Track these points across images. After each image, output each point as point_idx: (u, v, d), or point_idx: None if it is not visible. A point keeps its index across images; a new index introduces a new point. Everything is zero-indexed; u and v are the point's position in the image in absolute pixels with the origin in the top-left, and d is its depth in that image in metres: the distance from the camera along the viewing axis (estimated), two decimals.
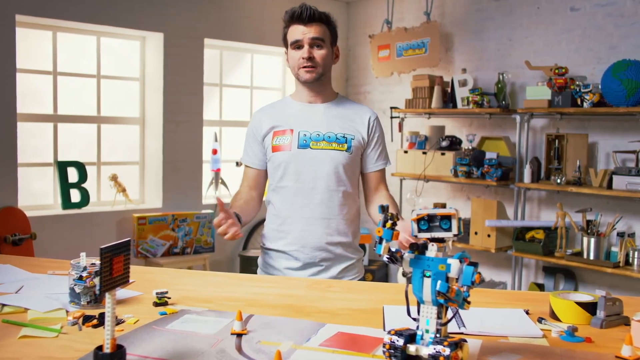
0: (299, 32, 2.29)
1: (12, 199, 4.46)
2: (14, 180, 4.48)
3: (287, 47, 2.35)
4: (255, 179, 2.43)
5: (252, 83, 6.15)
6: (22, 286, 1.85)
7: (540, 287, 4.82)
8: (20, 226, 4.43)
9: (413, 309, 1.31)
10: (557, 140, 4.59)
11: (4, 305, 1.63)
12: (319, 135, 2.31)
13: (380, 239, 1.31)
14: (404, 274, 1.33)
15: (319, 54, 2.30)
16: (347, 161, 2.31)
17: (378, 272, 5.83)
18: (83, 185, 4.92)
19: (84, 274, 1.64)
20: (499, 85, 4.93)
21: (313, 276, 2.29)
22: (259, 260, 2.46)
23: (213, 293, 1.86)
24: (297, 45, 2.30)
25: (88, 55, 5.08)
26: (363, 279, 2.47)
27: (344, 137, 2.31)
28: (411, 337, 1.28)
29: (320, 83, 2.36)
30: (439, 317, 1.27)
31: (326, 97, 2.40)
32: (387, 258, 1.31)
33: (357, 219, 2.42)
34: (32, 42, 4.77)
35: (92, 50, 5.08)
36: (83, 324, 1.50)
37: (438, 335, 1.27)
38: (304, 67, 2.30)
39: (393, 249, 1.32)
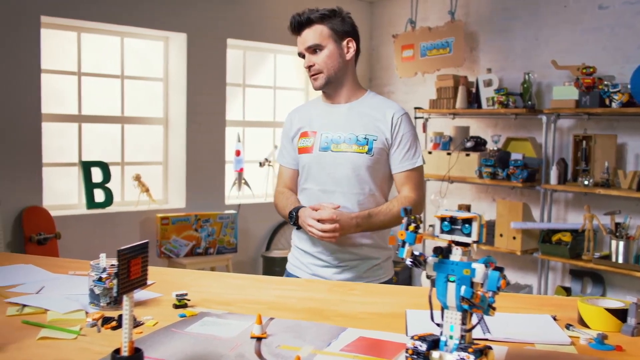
0: (299, 43, 2.31)
1: (37, 199, 4.49)
2: (38, 180, 4.51)
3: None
4: (290, 178, 2.43)
5: (275, 83, 6.14)
6: (43, 287, 1.84)
7: (567, 290, 4.74)
8: (45, 226, 4.46)
9: (437, 314, 1.28)
10: (584, 141, 4.51)
11: (24, 305, 1.62)
12: (340, 137, 2.28)
13: (403, 242, 1.28)
14: (428, 277, 1.30)
15: (318, 58, 2.27)
16: (368, 163, 2.25)
17: (401, 275, 5.78)
18: (107, 185, 4.94)
19: (104, 275, 1.63)
20: (525, 85, 4.85)
21: (338, 274, 2.27)
22: (289, 256, 2.46)
23: (233, 295, 1.84)
24: (302, 56, 2.32)
25: (112, 56, 5.10)
26: (391, 280, 2.42)
27: (365, 138, 2.26)
28: (434, 343, 1.25)
29: (336, 84, 2.32)
30: (463, 323, 1.24)
31: (349, 96, 2.35)
32: (410, 261, 1.28)
33: None
34: (57, 43, 4.80)
35: (116, 51, 5.10)
36: (102, 325, 1.49)
37: (462, 341, 1.23)
38: (310, 76, 2.31)
39: (416, 253, 1.28)
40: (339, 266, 2.29)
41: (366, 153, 2.25)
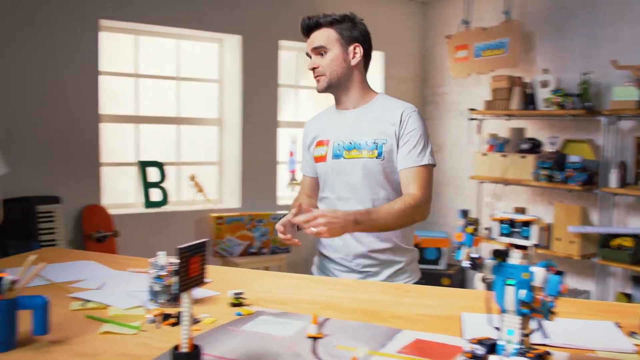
0: (307, 44, 2.31)
1: (96, 198, 4.61)
2: (97, 179, 4.63)
3: None
4: (310, 187, 2.45)
5: None
6: (104, 283, 1.89)
7: (628, 297, 4.60)
8: (104, 224, 4.58)
9: (494, 318, 1.26)
10: None
11: (87, 300, 1.67)
12: (351, 143, 2.26)
13: (460, 245, 1.27)
14: (483, 280, 1.28)
15: (322, 61, 2.27)
16: (380, 168, 2.22)
17: (455, 277, 5.72)
18: (163, 184, 5.04)
19: (163, 273, 1.66)
20: (583, 86, 4.74)
21: (362, 279, 2.27)
22: (314, 259, 2.48)
23: (289, 295, 1.85)
24: (310, 57, 2.32)
25: (168, 58, 5.20)
26: (419, 282, 2.38)
27: (374, 142, 2.23)
28: (492, 347, 1.23)
29: (340, 89, 2.31)
30: (522, 328, 1.22)
31: (357, 101, 2.32)
32: (468, 264, 1.27)
33: None
34: (115, 46, 4.92)
35: (171, 53, 5.20)
36: (161, 322, 1.52)
37: (521, 346, 1.21)
38: (314, 77, 2.31)
39: (474, 255, 1.27)
40: (361, 272, 2.27)
41: (376, 157, 2.22)
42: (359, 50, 2.29)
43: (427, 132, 2.28)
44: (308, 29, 2.29)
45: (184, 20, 4.93)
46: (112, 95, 4.92)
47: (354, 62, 2.28)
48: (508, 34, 5.28)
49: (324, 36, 2.26)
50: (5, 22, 4.20)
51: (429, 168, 2.22)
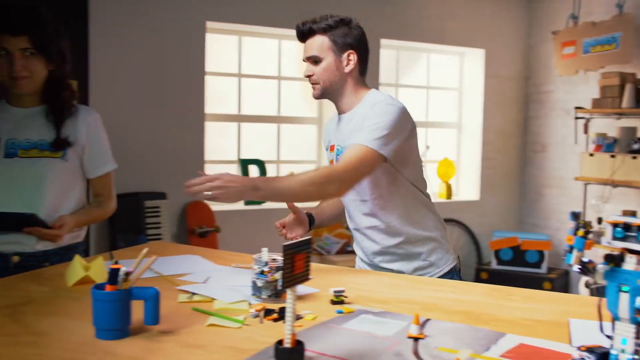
0: (303, 50, 2.31)
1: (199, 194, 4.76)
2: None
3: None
4: None
5: (429, 83, 6.09)
6: (209, 277, 1.95)
7: None
8: (206, 219, 4.72)
9: (606, 325, 1.21)
10: None
11: (193, 293, 1.73)
12: (343, 147, 2.26)
13: (571, 248, 1.23)
14: (586, 285, 1.23)
15: (316, 69, 2.25)
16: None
17: (557, 282, 5.53)
18: None
19: (266, 269, 1.69)
20: None
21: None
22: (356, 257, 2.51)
23: (389, 294, 1.85)
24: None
25: (270, 58, 5.30)
26: (454, 270, 2.32)
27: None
28: (604, 356, 1.18)
29: (334, 95, 2.30)
30: (637, 337, 1.16)
31: (351, 104, 2.30)
32: (579, 269, 1.22)
33: (411, 211, 2.26)
34: (220, 47, 5.06)
35: (273, 53, 5.30)
36: (264, 317, 1.55)
37: (636, 356, 1.16)
38: (310, 84, 2.30)
39: (585, 259, 1.22)
40: (385, 268, 2.28)
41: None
42: (353, 57, 2.26)
43: (395, 126, 2.11)
44: (302, 35, 2.29)
45: (285, 21, 5.01)
46: (216, 95, 5.07)
47: (347, 69, 2.26)
48: (620, 28, 5.04)
49: (317, 44, 2.25)
50: (117, 26, 4.41)
51: (370, 152, 2.07)
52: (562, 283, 5.63)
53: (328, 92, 2.29)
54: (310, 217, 2.42)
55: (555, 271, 5.67)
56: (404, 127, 2.17)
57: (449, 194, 6.10)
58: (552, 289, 5.38)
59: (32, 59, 2.19)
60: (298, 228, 2.38)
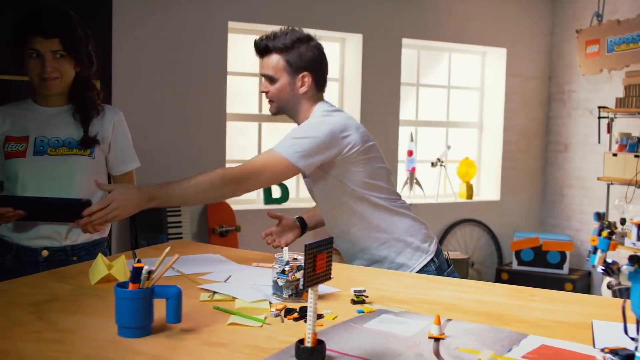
0: (260, 65, 2.33)
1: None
2: None
3: None
4: None
5: (450, 83, 6.06)
6: (230, 276, 1.96)
7: None
8: (227, 219, 4.75)
9: (631, 327, 1.20)
10: None
11: (215, 292, 1.74)
12: None
13: (595, 249, 1.22)
14: (609, 286, 1.22)
15: (270, 88, 2.28)
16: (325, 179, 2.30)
17: (579, 283, 5.48)
18: (284, 182, 5.16)
19: (287, 268, 1.70)
20: None
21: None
22: None
23: (409, 294, 1.84)
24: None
25: None
26: (432, 262, 2.34)
27: None
28: (629, 358, 1.17)
29: (290, 113, 2.33)
30: None
31: (305, 120, 2.31)
32: (603, 270, 1.21)
33: (370, 217, 2.29)
34: (242, 46, 5.08)
35: None
36: (285, 316, 1.56)
37: None
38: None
39: (609, 260, 1.21)
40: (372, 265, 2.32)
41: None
42: (307, 80, 2.26)
43: (320, 142, 2.15)
44: (258, 51, 2.29)
45: (306, 21, 5.01)
46: (237, 95, 5.09)
47: (301, 90, 2.26)
48: None
49: (272, 64, 2.26)
50: (140, 27, 4.45)
51: (283, 161, 2.13)
52: (584, 284, 5.58)
53: (283, 110, 2.33)
54: (301, 221, 2.51)
55: (577, 272, 5.62)
56: (331, 144, 2.17)
57: (469, 194, 6.07)
58: (574, 290, 5.33)
59: (62, 60, 2.24)
60: (288, 234, 2.46)
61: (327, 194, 2.30)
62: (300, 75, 2.25)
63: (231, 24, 4.79)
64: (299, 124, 2.32)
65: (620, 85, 5.21)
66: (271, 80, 2.27)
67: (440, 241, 5.68)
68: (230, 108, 4.94)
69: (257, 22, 4.87)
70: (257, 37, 2.29)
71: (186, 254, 2.29)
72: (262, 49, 2.28)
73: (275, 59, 2.25)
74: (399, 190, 5.49)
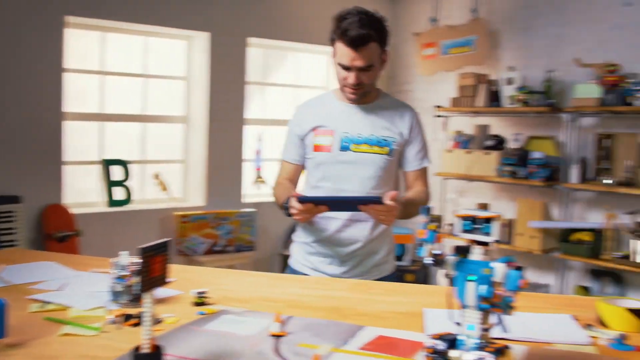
0: (347, 56, 2.17)
1: (58, 197, 4.54)
2: (59, 178, 4.56)
3: (334, 51, 2.23)
4: (293, 173, 2.43)
5: (296, 82, 6.15)
6: (65, 284, 1.86)
7: (587, 290, 4.70)
8: (66, 223, 4.51)
9: (456, 313, 1.27)
10: (606, 140, 4.46)
11: (46, 302, 1.64)
12: (360, 137, 2.28)
13: (423, 241, 1.28)
14: (446, 276, 1.30)
15: (366, 76, 2.22)
16: (387, 164, 2.29)
17: (419, 273, 5.76)
18: (127, 183, 4.98)
19: (125, 273, 1.64)
20: (547, 84, 4.81)
21: (342, 271, 2.30)
22: (292, 250, 2.49)
23: (252, 293, 1.85)
24: (345, 67, 2.21)
25: (135, 55, 5.14)
26: (394, 273, 2.45)
27: (385, 140, 2.29)
28: (453, 342, 1.25)
29: (367, 95, 2.32)
30: (482, 322, 1.23)
31: (369, 98, 2.34)
32: (430, 260, 1.28)
33: None
34: (81, 43, 4.84)
35: (139, 50, 5.14)
36: (123, 323, 1.50)
37: (481, 340, 1.23)
38: (352, 90, 2.25)
39: (436, 252, 1.28)
40: (343, 264, 2.31)
41: (387, 155, 2.28)
42: (386, 57, 2.29)
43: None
44: (361, 43, 2.14)
45: (151, 17, 4.87)
46: (77, 93, 4.84)
47: (383, 68, 2.30)
48: (475, 31, 5.34)
49: (371, 53, 2.18)
50: None
51: (428, 168, 2.43)
52: (423, 275, 5.87)
53: (368, 92, 2.31)
54: None
55: (417, 263, 5.90)
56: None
57: None
58: (415, 281, 5.60)
59: None
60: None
61: (383, 175, 2.32)
62: (385, 55, 2.26)
63: (68, 19, 4.55)
64: (365, 102, 2.32)
65: (454, 86, 5.54)
66: (367, 70, 2.20)
67: (287, 239, 5.74)
68: (69, 107, 4.68)
69: (97, 17, 4.65)
70: (351, 25, 2.13)
71: (18, 262, 2.15)
72: (363, 39, 2.13)
73: (373, 46, 2.17)
74: (245, 189, 5.53)
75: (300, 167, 2.42)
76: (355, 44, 2.13)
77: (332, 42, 2.24)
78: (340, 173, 2.29)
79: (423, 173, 2.40)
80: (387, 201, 2.03)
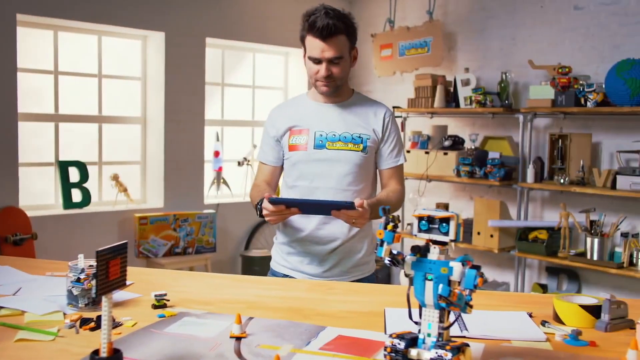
0: (317, 48, 2.22)
1: (13, 199, 4.44)
2: (14, 180, 4.46)
3: (304, 49, 2.30)
4: (271, 175, 2.45)
5: (254, 82, 6.13)
6: (20, 288, 1.83)
7: (544, 287, 4.79)
8: (21, 226, 4.41)
9: (415, 312, 1.29)
10: (560, 140, 4.56)
11: (0, 307, 1.61)
12: (334, 135, 2.30)
13: (382, 241, 1.29)
14: (406, 275, 1.31)
15: (337, 69, 2.25)
16: (362, 161, 2.31)
17: (381, 273, 5.81)
18: (84, 185, 4.90)
19: (82, 276, 1.62)
20: (502, 85, 4.90)
21: (322, 271, 2.30)
22: (273, 253, 2.47)
23: (213, 295, 1.84)
24: (315, 60, 2.25)
25: (89, 55, 5.06)
26: (374, 274, 2.49)
27: (359, 137, 2.31)
28: (413, 341, 1.26)
29: (339, 90, 2.35)
30: (441, 321, 1.25)
31: (342, 96, 2.37)
32: (389, 261, 1.29)
33: None
34: (34, 42, 4.75)
35: (93, 50, 5.06)
36: (80, 326, 1.48)
37: (440, 339, 1.25)
38: (323, 84, 2.28)
39: (395, 252, 1.30)
40: (323, 263, 2.31)
41: (361, 151, 2.31)
42: (356, 54, 2.36)
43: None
44: (329, 33, 2.19)
45: (105, 16, 4.80)
46: (31, 93, 4.74)
47: (354, 64, 2.36)
48: (431, 33, 5.40)
49: (341, 45, 2.24)
50: None
51: (403, 165, 2.45)
52: (385, 274, 5.92)
53: (339, 87, 2.33)
54: None
55: (378, 263, 5.94)
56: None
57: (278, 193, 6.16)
58: (377, 281, 5.63)
59: None
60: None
61: (359, 172, 2.34)
62: (354, 51, 2.33)
63: (20, 17, 4.45)
64: (339, 101, 2.36)
65: (411, 87, 5.59)
66: (337, 62, 2.24)
67: (248, 240, 5.73)
68: (23, 107, 4.58)
69: (51, 15, 4.56)
70: (318, 17, 2.20)
71: None
72: (331, 30, 2.18)
73: (342, 39, 2.23)
74: (205, 191, 5.49)
75: (278, 169, 2.44)
76: (323, 34, 2.19)
77: (302, 40, 2.30)
78: (316, 171, 2.31)
79: (397, 171, 2.42)
80: (358, 207, 2.05)
